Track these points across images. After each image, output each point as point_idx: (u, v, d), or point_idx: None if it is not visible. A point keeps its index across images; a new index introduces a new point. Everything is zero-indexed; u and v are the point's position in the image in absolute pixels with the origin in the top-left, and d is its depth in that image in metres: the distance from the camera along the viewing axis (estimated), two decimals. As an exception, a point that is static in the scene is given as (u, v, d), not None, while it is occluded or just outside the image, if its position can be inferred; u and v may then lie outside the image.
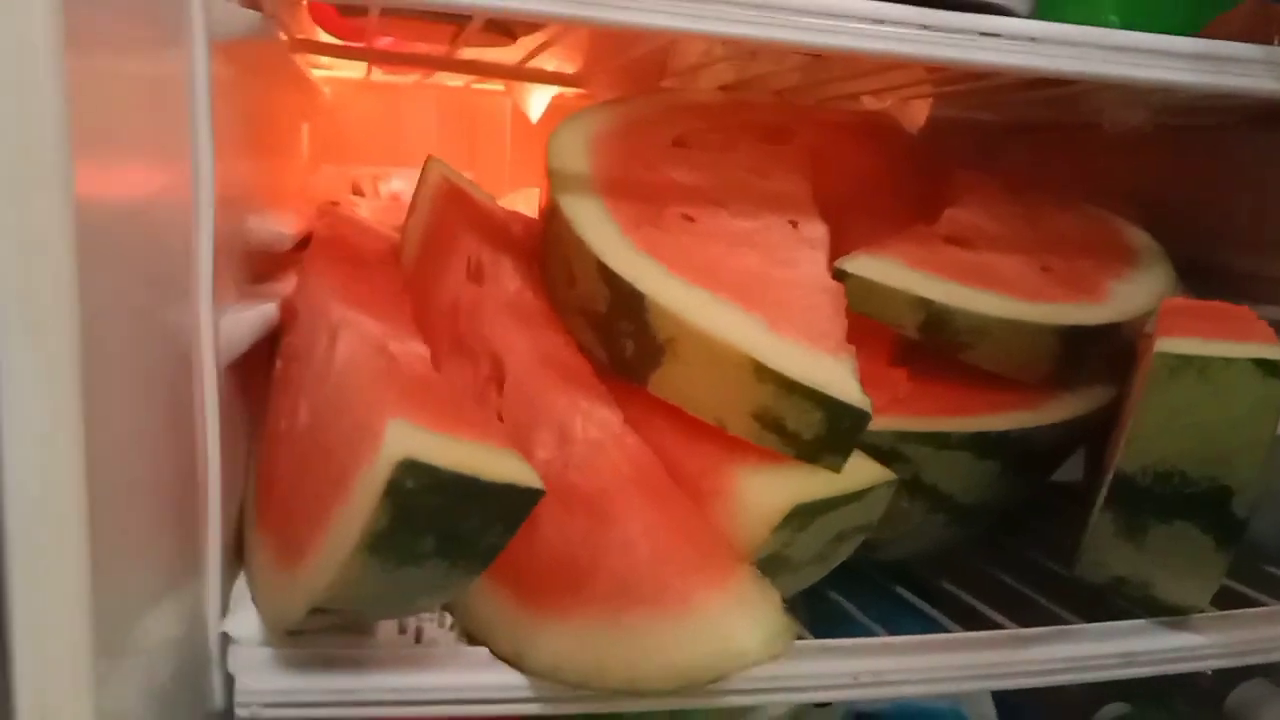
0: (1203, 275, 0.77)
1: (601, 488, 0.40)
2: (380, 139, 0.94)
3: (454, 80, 0.93)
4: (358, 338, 0.40)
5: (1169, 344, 0.43)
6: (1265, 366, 0.41)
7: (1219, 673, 0.69)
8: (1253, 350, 0.42)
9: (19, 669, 0.24)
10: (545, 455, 0.42)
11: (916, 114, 0.72)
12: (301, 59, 0.79)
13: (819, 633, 0.49)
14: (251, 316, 0.48)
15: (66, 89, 0.25)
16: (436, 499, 0.32)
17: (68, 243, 0.25)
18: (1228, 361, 0.42)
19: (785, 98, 0.68)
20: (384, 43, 0.67)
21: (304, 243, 0.63)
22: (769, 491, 0.40)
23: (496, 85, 0.86)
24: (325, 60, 0.90)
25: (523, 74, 0.67)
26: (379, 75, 0.89)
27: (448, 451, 0.32)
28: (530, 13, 0.39)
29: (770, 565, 0.41)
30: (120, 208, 0.33)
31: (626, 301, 0.43)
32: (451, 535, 0.33)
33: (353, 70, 0.87)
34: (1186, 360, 0.42)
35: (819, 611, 0.54)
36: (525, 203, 0.80)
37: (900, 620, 0.56)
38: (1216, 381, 0.42)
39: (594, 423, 0.42)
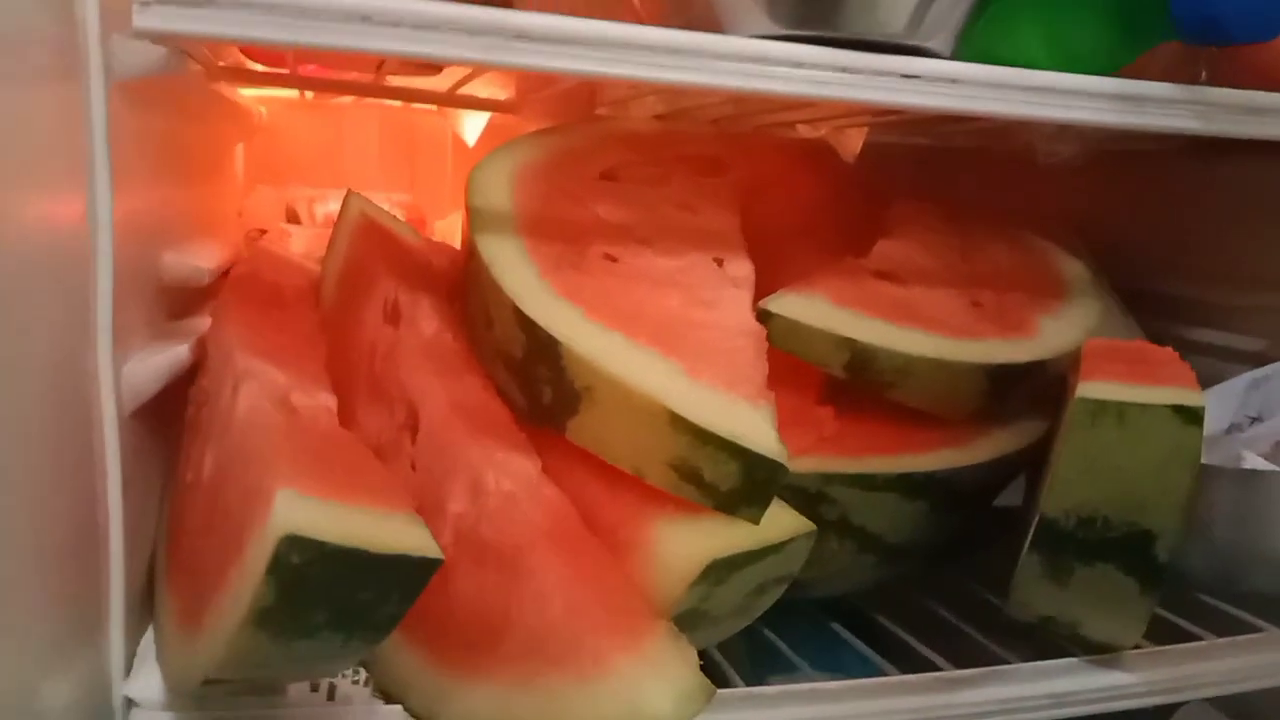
0: (1144, 300, 0.78)
1: (514, 542, 0.39)
2: (320, 159, 0.93)
3: (394, 100, 0.92)
4: (259, 390, 0.39)
5: (1089, 389, 0.43)
6: (1183, 413, 0.41)
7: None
8: (1170, 396, 0.42)
9: None
10: (458, 508, 0.41)
11: (852, 141, 0.72)
12: (229, 83, 0.77)
13: (749, 670, 0.49)
14: (160, 361, 0.46)
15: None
16: (325, 572, 0.31)
17: None
18: (1144, 408, 0.42)
19: (721, 126, 0.67)
20: (311, 69, 0.65)
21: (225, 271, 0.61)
22: (685, 546, 0.39)
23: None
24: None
25: (455, 101, 0.65)
26: (314, 96, 0.88)
27: (337, 523, 0.31)
28: (443, 58, 0.38)
29: (688, 620, 0.40)
30: (6, 251, 0.31)
31: (543, 348, 0.42)
32: (344, 608, 0.32)
33: (288, 90, 0.85)
34: (1104, 406, 0.42)
35: (750, 647, 0.53)
36: (465, 225, 0.79)
37: (834, 658, 0.55)
38: (1134, 427, 0.42)
39: (508, 474, 0.41)
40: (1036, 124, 0.59)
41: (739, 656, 0.51)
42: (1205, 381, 0.63)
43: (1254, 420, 0.63)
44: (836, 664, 0.54)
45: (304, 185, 0.87)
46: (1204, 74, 0.54)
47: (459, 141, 0.89)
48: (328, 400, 0.40)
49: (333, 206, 0.86)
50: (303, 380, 0.41)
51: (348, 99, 0.89)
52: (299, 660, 0.34)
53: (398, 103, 0.90)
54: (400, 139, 0.93)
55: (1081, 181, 0.80)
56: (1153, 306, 0.78)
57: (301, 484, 0.32)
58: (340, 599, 0.32)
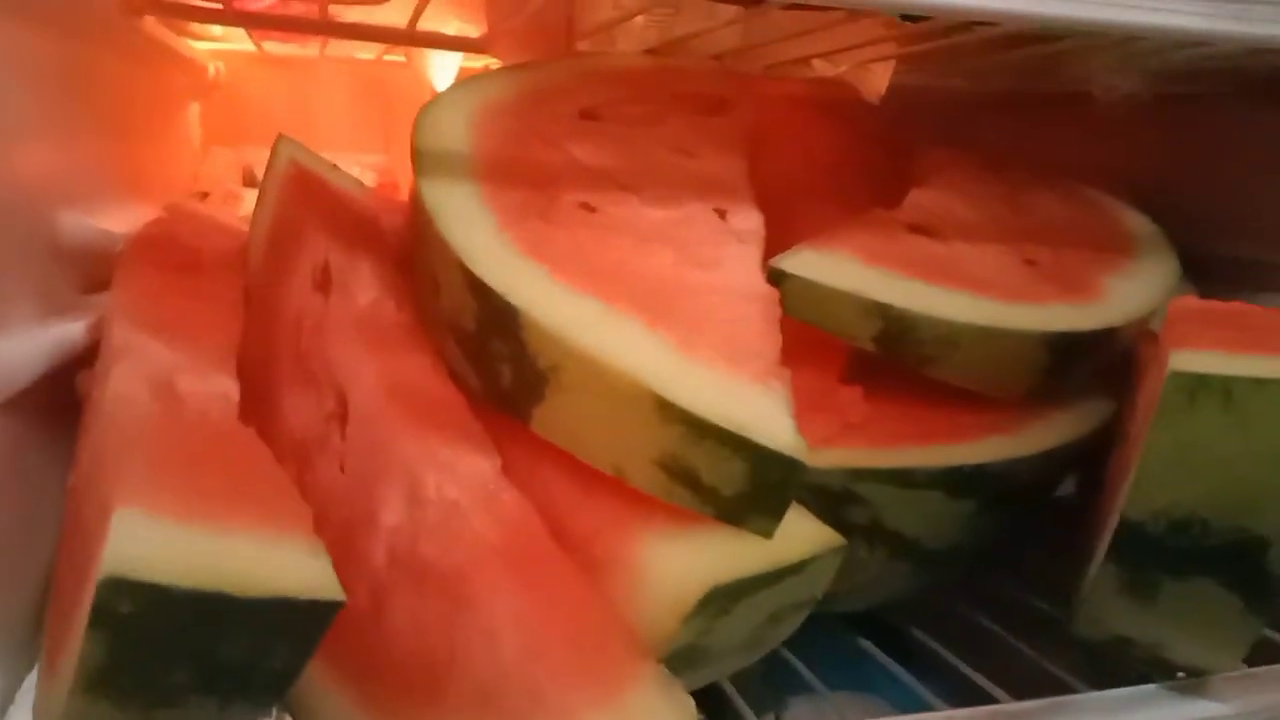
0: (1204, 265, 0.69)
1: (459, 564, 0.31)
2: (285, 120, 0.84)
3: (364, 53, 0.83)
4: (133, 371, 0.30)
5: (1184, 360, 0.34)
6: (1310, 390, 0.32)
7: None
8: (1294, 369, 0.33)
9: None
10: (392, 520, 0.32)
11: (877, 80, 0.63)
12: (176, 32, 0.69)
13: (760, 693, 0.41)
14: (40, 342, 0.38)
15: None
16: (172, 623, 0.23)
17: None
18: (1259, 383, 0.33)
19: (725, 63, 0.58)
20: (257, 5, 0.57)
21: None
22: (680, 567, 0.31)
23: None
24: (219, 32, 0.80)
25: (419, 39, 0.57)
26: (274, 47, 0.79)
27: (188, 556, 0.23)
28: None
29: (683, 661, 0.31)
30: None
31: (498, 317, 0.34)
32: (212, 666, 0.24)
33: (244, 43, 0.77)
34: (1205, 381, 0.33)
35: (762, 666, 0.45)
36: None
37: (860, 677, 0.48)
38: (1245, 407, 0.33)
39: (453, 476, 0.33)
40: (1098, 50, 0.50)
41: (748, 678, 0.43)
42: None
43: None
44: (863, 685, 0.48)
45: (264, 146, 0.78)
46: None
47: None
48: (227, 386, 0.32)
49: (296, 169, 0.78)
50: (198, 360, 0.33)
51: (313, 52, 0.81)
52: (162, 731, 0.26)
53: (370, 54, 0.81)
54: (372, 97, 0.85)
55: (1132, 131, 0.72)
56: (1215, 272, 0.70)
57: (155, 500, 0.24)
58: (204, 655, 0.24)
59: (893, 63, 0.62)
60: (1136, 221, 0.53)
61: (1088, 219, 0.52)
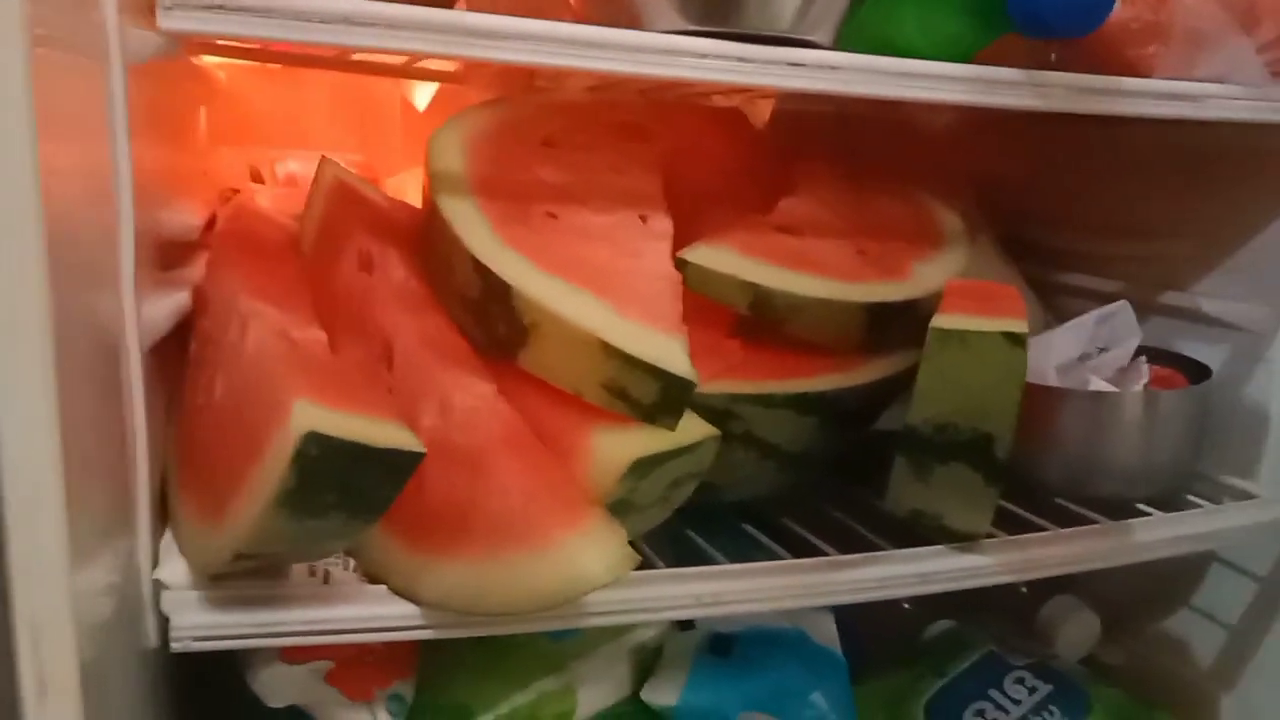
0: (1027, 247, 0.88)
1: (478, 446, 0.49)
2: (276, 122, 0.98)
3: (357, 73, 0.98)
4: (264, 327, 0.47)
5: (941, 320, 0.53)
6: (1011, 338, 0.52)
7: (1031, 592, 0.81)
8: (1002, 325, 0.52)
9: (17, 600, 0.31)
10: (429, 422, 0.50)
11: (762, 109, 0.81)
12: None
13: (673, 562, 0.58)
14: (168, 304, 0.54)
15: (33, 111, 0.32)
16: (334, 463, 0.40)
17: (39, 240, 0.32)
18: (982, 334, 0.52)
19: (647, 96, 0.76)
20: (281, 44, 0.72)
21: (206, 225, 0.68)
22: (615, 448, 0.49)
23: (387, 73, 0.92)
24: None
25: (411, 73, 0.73)
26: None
27: (343, 424, 0.40)
28: (409, 51, 0.46)
29: (619, 508, 0.50)
30: (66, 206, 0.39)
31: (496, 291, 0.51)
32: (349, 492, 0.41)
33: (245, 58, 0.91)
34: (949, 334, 0.52)
35: (678, 547, 0.63)
36: (415, 181, 0.86)
37: (745, 553, 0.65)
38: (975, 350, 0.52)
39: (471, 393, 0.50)
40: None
41: (665, 550, 0.61)
42: (1069, 318, 0.75)
43: (1101, 350, 0.74)
44: (748, 557, 0.64)
45: (263, 146, 0.93)
46: (1053, 56, 0.64)
47: (407, 105, 0.96)
48: (318, 334, 0.49)
49: (292, 166, 0.93)
50: (296, 318, 0.50)
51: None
52: (309, 537, 0.43)
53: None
54: (352, 103, 0.99)
55: (969, 142, 0.90)
56: (1032, 253, 0.89)
57: (311, 395, 0.41)
58: (346, 484, 0.41)
59: (773, 97, 0.79)
60: (948, 220, 0.72)
61: (911, 217, 0.71)
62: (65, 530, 0.32)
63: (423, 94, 0.82)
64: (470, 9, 0.61)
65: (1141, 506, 0.68)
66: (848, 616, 0.77)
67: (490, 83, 0.71)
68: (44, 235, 0.33)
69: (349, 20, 0.45)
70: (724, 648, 0.71)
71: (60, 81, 0.37)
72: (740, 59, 0.50)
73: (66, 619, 0.33)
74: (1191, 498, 0.71)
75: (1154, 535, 0.66)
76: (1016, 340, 0.52)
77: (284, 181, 0.90)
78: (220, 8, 0.43)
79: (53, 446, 0.32)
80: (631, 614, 0.54)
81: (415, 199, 0.82)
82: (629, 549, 0.46)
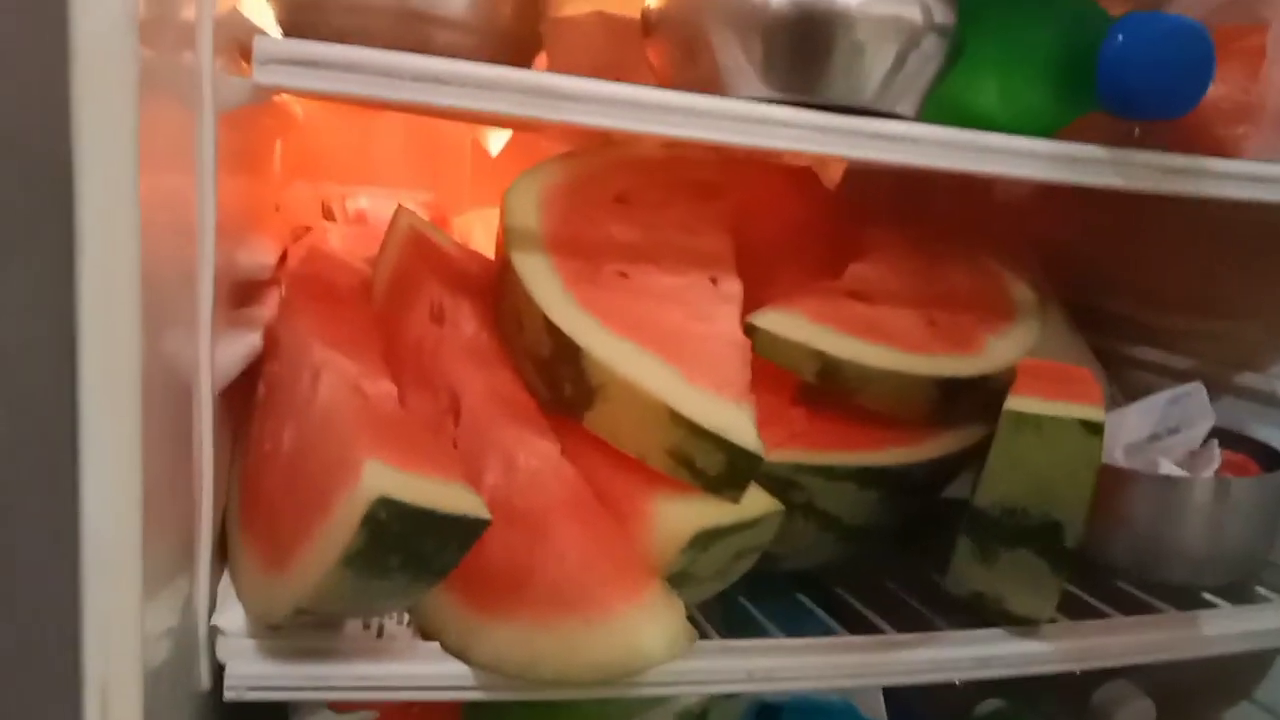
0: (1094, 316, 0.87)
1: (539, 509, 0.48)
2: (348, 157, 1.00)
3: (440, 118, 0.99)
4: (336, 378, 0.47)
5: (1015, 402, 0.52)
6: (1088, 426, 0.50)
7: (1085, 674, 0.79)
8: (1078, 411, 0.51)
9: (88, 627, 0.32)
10: (493, 480, 0.50)
11: (834, 170, 0.81)
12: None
13: (726, 632, 0.57)
14: (240, 347, 0.55)
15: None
16: (403, 527, 0.40)
17: (134, 279, 0.33)
18: (1057, 420, 0.51)
19: (720, 153, 0.76)
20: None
21: (279, 261, 0.69)
22: (678, 518, 0.48)
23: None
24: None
25: (484, 120, 0.74)
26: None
27: (413, 489, 0.40)
28: (497, 112, 0.46)
29: (677, 579, 0.49)
30: (155, 248, 0.39)
31: (566, 351, 0.51)
32: (414, 555, 0.41)
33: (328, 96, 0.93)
34: (1025, 417, 0.51)
35: (729, 615, 0.62)
36: (483, 222, 0.87)
37: (798, 624, 0.64)
38: (1049, 436, 0.51)
39: (535, 453, 0.50)
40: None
41: (718, 619, 0.60)
42: (1139, 394, 0.73)
43: (1172, 431, 0.72)
44: (800, 629, 0.63)
45: (334, 182, 0.94)
46: (1137, 131, 0.63)
47: (477, 145, 0.97)
48: (389, 388, 0.49)
49: (362, 202, 0.94)
50: (368, 369, 0.50)
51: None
52: (372, 595, 0.43)
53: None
54: (423, 142, 1.00)
55: (1042, 208, 0.89)
56: (1101, 324, 0.87)
57: (381, 456, 0.41)
58: (411, 548, 0.41)
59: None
60: (1020, 292, 0.71)
61: (983, 288, 0.70)
62: (140, 593, 0.33)
63: (496, 139, 0.83)
64: (551, 67, 0.62)
65: (1209, 596, 0.66)
66: (898, 690, 0.75)
67: (565, 133, 0.71)
68: (139, 287, 0.33)
69: (439, 79, 0.45)
70: (770, 717, 0.70)
71: (158, 129, 0.38)
72: (821, 128, 0.50)
73: (135, 678, 0.33)
74: (1261, 590, 0.69)
75: (1221, 629, 0.64)
76: (1093, 429, 0.50)
77: (354, 218, 0.91)
78: (313, 64, 0.44)
79: (134, 519, 0.32)
80: (682, 686, 0.54)
81: (482, 238, 0.82)
82: (688, 624, 0.46)
